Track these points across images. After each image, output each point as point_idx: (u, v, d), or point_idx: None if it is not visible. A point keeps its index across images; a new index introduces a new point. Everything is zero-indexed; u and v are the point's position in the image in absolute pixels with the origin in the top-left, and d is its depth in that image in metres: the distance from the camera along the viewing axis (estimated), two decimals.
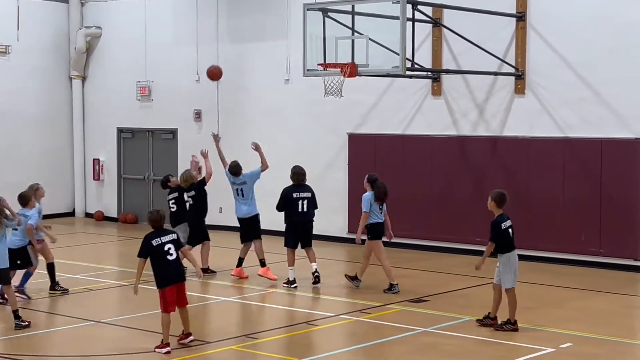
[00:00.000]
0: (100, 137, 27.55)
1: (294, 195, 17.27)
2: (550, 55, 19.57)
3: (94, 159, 27.72)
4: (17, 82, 26.58)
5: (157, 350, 12.49)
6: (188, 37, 25.07)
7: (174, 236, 12.80)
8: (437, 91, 21.13)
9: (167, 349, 12.49)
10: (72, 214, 27.89)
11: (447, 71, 20.42)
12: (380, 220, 16.73)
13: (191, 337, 12.87)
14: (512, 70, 19.84)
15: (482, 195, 19.84)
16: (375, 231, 16.73)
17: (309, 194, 17.34)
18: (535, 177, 19.79)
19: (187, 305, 12.94)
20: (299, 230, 17.28)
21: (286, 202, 17.27)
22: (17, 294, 14.97)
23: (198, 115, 25.23)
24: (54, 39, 27.45)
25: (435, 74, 20.85)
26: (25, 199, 15.70)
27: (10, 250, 14.38)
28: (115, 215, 27.23)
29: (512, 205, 19.62)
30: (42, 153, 27.17)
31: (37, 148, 27.12)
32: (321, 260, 18.35)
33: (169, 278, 12.64)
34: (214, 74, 19.56)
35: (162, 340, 12.62)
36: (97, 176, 27.54)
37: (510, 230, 13.80)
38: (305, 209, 17.23)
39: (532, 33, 19.73)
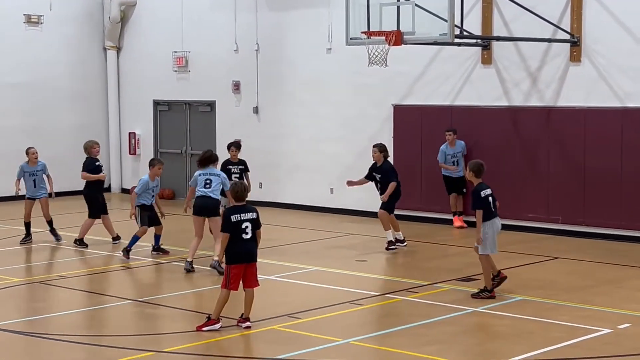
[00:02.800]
0: (136, 110, 27.44)
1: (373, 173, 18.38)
2: (608, 20, 19.09)
3: (129, 133, 27.55)
4: (49, 54, 26.49)
5: (205, 328, 12.37)
6: (225, 4, 24.82)
7: (254, 215, 12.60)
8: (487, 60, 20.69)
9: (219, 324, 12.41)
10: (107, 189, 27.51)
11: (498, 38, 20.07)
12: (201, 194, 16.38)
13: (248, 323, 12.58)
14: (567, 36, 19.41)
15: (535, 170, 19.88)
16: (195, 206, 16.51)
17: (379, 175, 18.22)
18: (592, 150, 19.37)
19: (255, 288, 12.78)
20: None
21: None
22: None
23: (237, 86, 24.92)
24: (87, 8, 27.30)
25: (486, 42, 20.46)
26: None
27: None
28: None
29: (567, 179, 19.50)
30: (75, 127, 26.98)
31: (70, 122, 26.98)
32: (366, 237, 18.14)
33: (240, 256, 12.45)
34: None
35: (210, 316, 12.47)
36: (133, 151, 27.42)
37: (490, 198, 14.19)
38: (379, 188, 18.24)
39: None
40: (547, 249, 18.22)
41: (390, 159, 21.60)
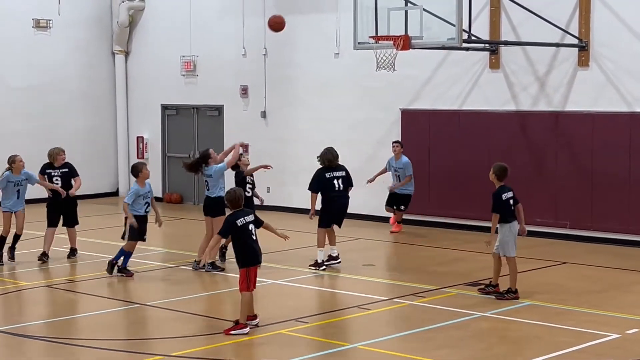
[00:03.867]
0: (144, 114, 27.42)
1: (327, 175, 16.96)
2: (616, 25, 19.00)
3: (137, 137, 27.51)
4: (58, 58, 26.49)
5: (233, 332, 12.40)
6: (234, 9, 24.76)
7: (253, 216, 12.81)
8: (495, 64, 20.61)
9: (247, 329, 12.49)
10: (115, 193, 27.81)
11: (506, 43, 19.94)
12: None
13: (257, 320, 12.80)
14: (575, 41, 19.30)
15: (543, 175, 19.85)
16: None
17: (343, 173, 17.10)
18: (600, 154, 19.27)
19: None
20: (335, 211, 16.97)
21: (320, 183, 17.00)
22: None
23: (245, 91, 24.86)
24: (96, 12, 27.31)
25: (493, 46, 20.36)
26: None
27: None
28: (159, 194, 26.75)
29: (575, 184, 19.42)
30: (84, 131, 26.99)
31: (79, 126, 26.95)
32: (372, 242, 18.10)
33: (254, 258, 12.68)
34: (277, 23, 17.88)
35: (238, 320, 12.55)
36: (141, 154, 27.32)
37: (511, 201, 14.58)
38: (341, 188, 16.98)
39: (596, 1, 19.17)
40: (555, 253, 18.15)
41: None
